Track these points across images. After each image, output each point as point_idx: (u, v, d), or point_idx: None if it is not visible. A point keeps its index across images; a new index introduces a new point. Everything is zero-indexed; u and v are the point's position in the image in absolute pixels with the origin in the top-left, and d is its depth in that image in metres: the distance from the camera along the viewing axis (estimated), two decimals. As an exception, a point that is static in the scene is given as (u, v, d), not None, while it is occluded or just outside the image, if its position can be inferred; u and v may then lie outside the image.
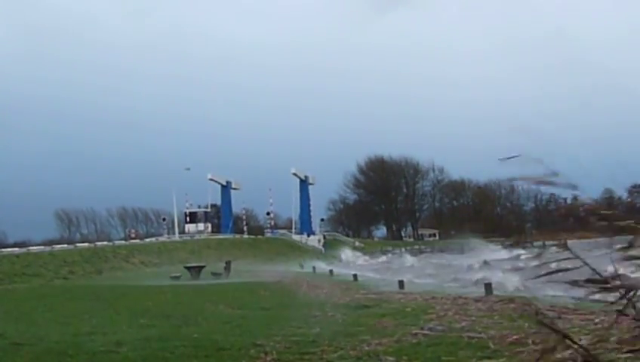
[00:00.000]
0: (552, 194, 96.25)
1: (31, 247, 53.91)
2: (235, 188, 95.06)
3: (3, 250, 50.44)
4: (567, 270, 3.22)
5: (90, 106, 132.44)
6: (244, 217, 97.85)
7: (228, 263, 39.90)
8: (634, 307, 3.11)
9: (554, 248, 3.34)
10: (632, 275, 3.25)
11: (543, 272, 3.29)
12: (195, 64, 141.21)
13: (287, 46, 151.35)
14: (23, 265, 42.94)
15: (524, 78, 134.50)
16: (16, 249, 51.72)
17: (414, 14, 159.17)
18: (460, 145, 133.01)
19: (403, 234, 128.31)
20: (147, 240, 74.78)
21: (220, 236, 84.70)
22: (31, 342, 11.55)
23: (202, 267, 39.02)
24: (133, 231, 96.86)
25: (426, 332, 10.90)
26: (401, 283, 22.96)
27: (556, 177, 3.20)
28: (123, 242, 68.99)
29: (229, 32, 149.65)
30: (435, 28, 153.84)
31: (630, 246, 3.20)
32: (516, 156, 3.17)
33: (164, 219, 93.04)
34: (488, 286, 17.12)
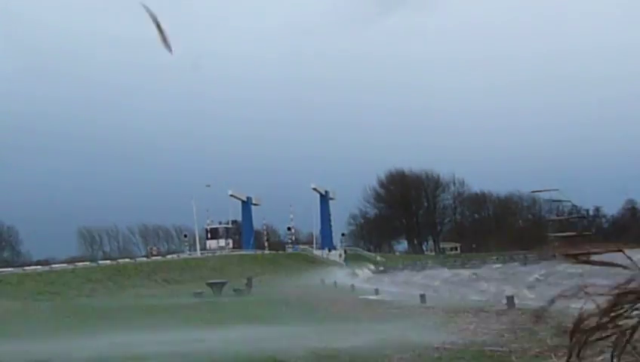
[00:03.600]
0: (574, 206, 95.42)
1: (54, 265, 54.23)
2: (255, 204, 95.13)
3: (26, 268, 50.75)
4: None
5: (111, 126, 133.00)
6: (265, 233, 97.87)
7: (249, 279, 39.96)
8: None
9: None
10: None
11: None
12: (211, 81, 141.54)
13: (306, 59, 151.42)
14: (46, 283, 43.21)
15: (543, 87, 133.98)
16: (39, 267, 52.03)
17: (432, 22, 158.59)
18: (480, 158, 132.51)
19: (424, 248, 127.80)
20: (169, 256, 74.91)
21: (242, 252, 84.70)
22: (55, 358, 11.63)
23: (224, 283, 39.08)
24: (154, 248, 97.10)
25: (447, 346, 10.87)
26: (422, 297, 22.90)
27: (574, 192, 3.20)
28: (145, 259, 69.17)
29: (243, 48, 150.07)
30: (452, 35, 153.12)
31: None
32: (551, 190, 3.16)
33: (185, 236, 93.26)
34: (510, 300, 17.04)
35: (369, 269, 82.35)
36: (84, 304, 35.50)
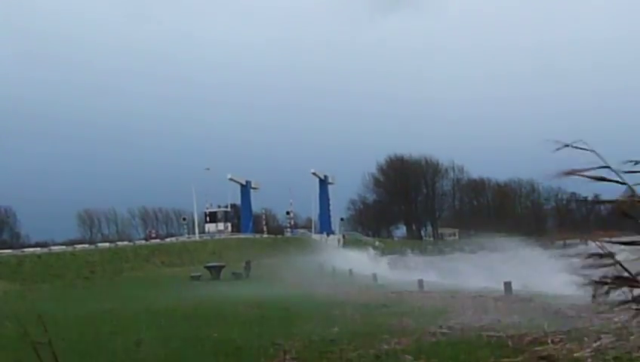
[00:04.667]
0: (572, 193, 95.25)
1: (52, 247, 54.28)
2: (254, 188, 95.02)
3: (25, 250, 50.85)
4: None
5: (112, 110, 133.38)
6: (263, 217, 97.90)
7: (248, 263, 40.01)
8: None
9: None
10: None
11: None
12: (209, 67, 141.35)
13: (306, 46, 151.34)
14: (45, 266, 43.28)
15: (542, 76, 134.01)
16: (38, 249, 52.09)
17: (428, 13, 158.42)
18: (479, 145, 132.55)
19: (423, 234, 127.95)
20: (167, 240, 75.01)
21: (240, 236, 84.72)
22: (52, 341, 11.63)
23: (222, 267, 39.14)
24: (153, 231, 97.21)
25: (445, 331, 10.88)
26: (420, 283, 22.93)
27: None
28: (143, 242, 69.25)
29: (241, 34, 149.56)
30: (447, 25, 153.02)
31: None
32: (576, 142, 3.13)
33: (184, 219, 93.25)
34: (508, 285, 17.06)
35: (368, 253, 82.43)
36: (82, 286, 35.61)
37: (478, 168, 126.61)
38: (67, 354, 10.41)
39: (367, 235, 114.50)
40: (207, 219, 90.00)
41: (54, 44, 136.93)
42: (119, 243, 64.41)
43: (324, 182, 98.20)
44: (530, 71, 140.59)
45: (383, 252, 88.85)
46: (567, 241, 35.33)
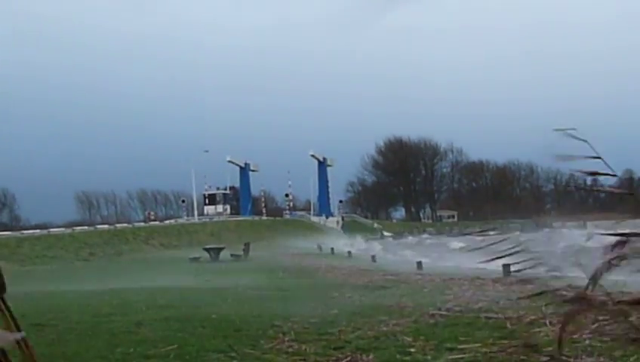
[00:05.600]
0: (571, 175, 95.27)
1: (51, 229, 54.29)
2: (253, 170, 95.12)
3: (24, 231, 50.89)
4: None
5: (111, 92, 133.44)
6: (262, 199, 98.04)
7: (247, 245, 40.05)
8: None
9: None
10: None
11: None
12: (208, 50, 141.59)
13: (307, 30, 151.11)
14: (44, 247, 43.32)
15: (539, 61, 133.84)
16: (37, 231, 52.11)
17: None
18: (478, 127, 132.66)
19: (421, 216, 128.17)
20: (166, 222, 75.14)
21: (239, 218, 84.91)
22: (52, 322, 11.67)
23: (221, 248, 39.18)
24: (152, 213, 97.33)
25: (443, 312, 10.92)
26: (419, 264, 22.99)
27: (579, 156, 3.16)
28: (142, 224, 69.36)
29: (242, 19, 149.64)
30: (446, 9, 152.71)
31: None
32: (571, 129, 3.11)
33: (183, 201, 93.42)
34: (506, 267, 17.07)
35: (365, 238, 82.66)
36: (81, 267, 35.68)
37: (476, 150, 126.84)
38: (66, 334, 10.45)
39: (366, 217, 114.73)
40: (206, 201, 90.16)
41: (52, 25, 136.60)
42: (118, 225, 64.48)
43: (322, 164, 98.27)
44: (528, 53, 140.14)
45: (382, 233, 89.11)
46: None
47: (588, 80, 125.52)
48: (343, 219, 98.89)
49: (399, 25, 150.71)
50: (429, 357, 7.61)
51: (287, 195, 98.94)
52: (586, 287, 2.97)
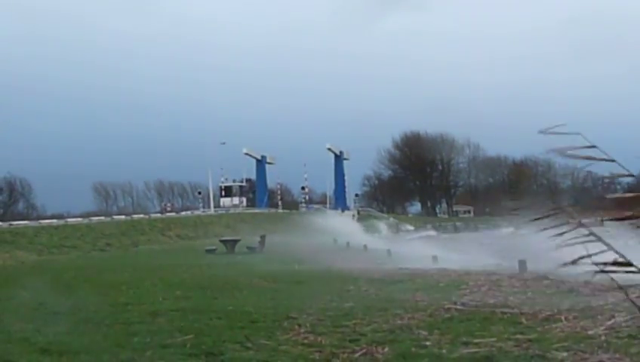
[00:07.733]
0: (589, 171, 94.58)
1: (69, 219, 54.57)
2: (269, 163, 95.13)
3: (41, 221, 51.16)
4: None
5: (129, 87, 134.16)
6: (278, 192, 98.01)
7: (263, 237, 40.08)
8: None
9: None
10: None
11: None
12: (227, 49, 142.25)
13: (321, 30, 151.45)
14: (61, 237, 43.54)
15: (559, 57, 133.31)
16: (55, 221, 52.36)
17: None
18: (495, 123, 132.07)
19: (437, 211, 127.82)
20: (183, 213, 75.27)
21: (255, 210, 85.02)
22: (69, 311, 11.78)
23: (237, 240, 39.24)
24: (169, 204, 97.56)
25: (459, 307, 10.92)
26: (434, 259, 22.96)
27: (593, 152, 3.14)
28: (159, 215, 69.59)
29: (257, 17, 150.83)
30: (463, 9, 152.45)
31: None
32: (558, 126, 3.10)
33: (199, 193, 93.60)
34: (522, 263, 17.04)
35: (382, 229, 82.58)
36: (98, 258, 35.88)
37: (493, 145, 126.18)
38: (84, 323, 10.54)
39: (382, 211, 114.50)
40: (223, 193, 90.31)
41: (64, 23, 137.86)
42: (135, 215, 64.75)
43: (339, 158, 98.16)
44: (549, 51, 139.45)
45: (398, 228, 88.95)
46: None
47: (609, 79, 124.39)
48: (358, 212, 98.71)
49: (415, 27, 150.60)
50: (444, 351, 7.62)
51: (303, 188, 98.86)
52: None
